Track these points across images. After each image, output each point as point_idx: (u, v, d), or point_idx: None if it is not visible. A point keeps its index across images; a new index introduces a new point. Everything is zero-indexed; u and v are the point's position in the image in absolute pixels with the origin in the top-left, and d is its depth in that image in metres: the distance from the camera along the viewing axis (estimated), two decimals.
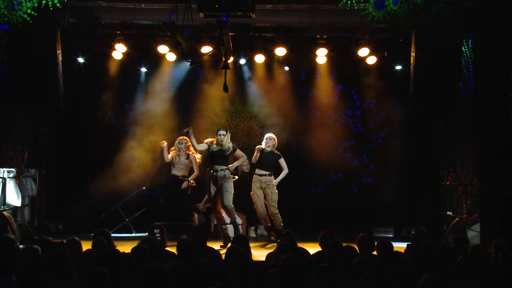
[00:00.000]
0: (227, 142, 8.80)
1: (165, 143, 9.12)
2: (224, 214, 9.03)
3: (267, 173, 9.16)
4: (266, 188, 9.14)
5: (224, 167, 8.78)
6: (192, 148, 9.11)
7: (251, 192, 9.31)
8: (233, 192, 8.81)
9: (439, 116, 9.89)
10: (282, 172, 9.26)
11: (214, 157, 8.82)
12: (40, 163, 10.50)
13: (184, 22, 8.08)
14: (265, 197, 9.18)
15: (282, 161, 9.24)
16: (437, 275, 3.85)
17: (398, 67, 10.78)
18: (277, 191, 9.15)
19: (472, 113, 8.57)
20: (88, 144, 10.95)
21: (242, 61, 11.15)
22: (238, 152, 9.01)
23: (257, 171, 9.23)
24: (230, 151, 8.84)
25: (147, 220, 9.15)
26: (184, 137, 9.14)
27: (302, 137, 11.29)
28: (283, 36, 10.22)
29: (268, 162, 9.19)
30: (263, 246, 9.01)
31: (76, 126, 11.04)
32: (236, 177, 9.57)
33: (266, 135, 9.38)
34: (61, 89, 9.36)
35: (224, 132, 8.82)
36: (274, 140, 9.27)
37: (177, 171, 9.25)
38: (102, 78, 11.00)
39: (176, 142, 9.24)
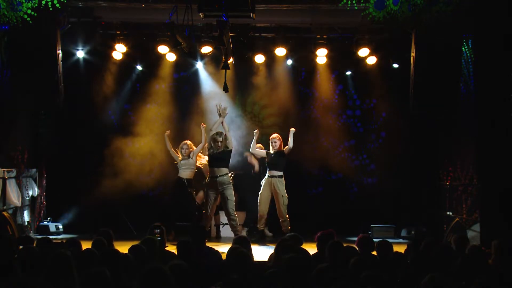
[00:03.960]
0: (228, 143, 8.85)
1: (168, 132, 9.50)
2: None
3: (277, 174, 9.19)
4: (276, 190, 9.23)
5: (224, 172, 8.78)
6: (192, 149, 9.30)
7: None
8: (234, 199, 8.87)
9: (439, 116, 9.88)
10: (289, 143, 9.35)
11: (213, 159, 8.83)
12: (40, 163, 10.50)
13: (184, 22, 8.09)
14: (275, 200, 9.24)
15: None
16: (442, 275, 3.85)
17: (398, 67, 10.79)
18: (287, 194, 9.24)
19: (472, 113, 8.56)
20: (88, 144, 10.93)
21: (242, 61, 11.13)
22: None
23: (268, 172, 9.28)
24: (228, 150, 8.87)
25: (147, 220, 9.15)
26: (185, 141, 9.37)
27: (302, 137, 11.26)
28: (283, 36, 10.20)
29: (276, 162, 9.29)
30: (263, 246, 9.01)
31: (76, 126, 11.04)
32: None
33: (271, 137, 9.48)
34: (61, 89, 9.36)
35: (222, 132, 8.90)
36: (279, 140, 9.33)
37: (182, 173, 9.28)
38: (102, 78, 11.00)
39: (180, 146, 9.40)
